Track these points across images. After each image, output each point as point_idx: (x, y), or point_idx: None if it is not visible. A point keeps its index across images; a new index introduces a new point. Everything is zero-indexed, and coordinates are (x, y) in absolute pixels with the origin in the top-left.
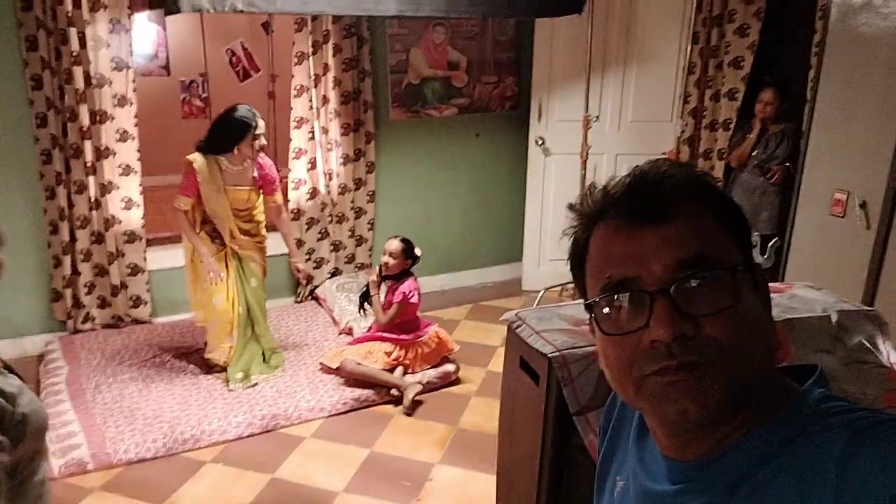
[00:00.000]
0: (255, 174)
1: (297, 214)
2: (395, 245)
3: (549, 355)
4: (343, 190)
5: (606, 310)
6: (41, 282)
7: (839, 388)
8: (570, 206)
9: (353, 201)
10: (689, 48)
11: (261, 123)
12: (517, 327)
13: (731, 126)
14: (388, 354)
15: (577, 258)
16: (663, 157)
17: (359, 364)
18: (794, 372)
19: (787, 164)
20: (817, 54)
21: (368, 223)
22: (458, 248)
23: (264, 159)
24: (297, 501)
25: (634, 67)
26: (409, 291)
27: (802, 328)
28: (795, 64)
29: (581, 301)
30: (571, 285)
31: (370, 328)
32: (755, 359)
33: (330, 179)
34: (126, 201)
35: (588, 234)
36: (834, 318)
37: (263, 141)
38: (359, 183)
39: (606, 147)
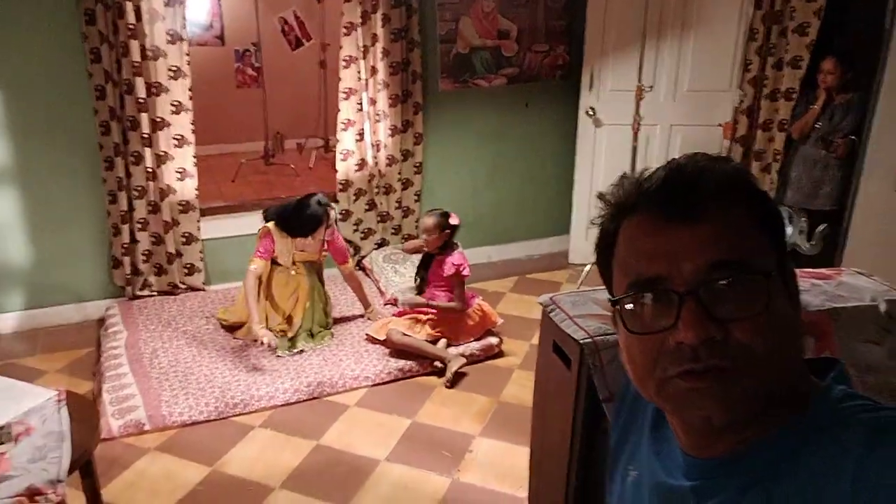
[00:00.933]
0: (325, 240)
1: (345, 185)
2: (429, 221)
3: (581, 341)
4: (391, 161)
5: (632, 307)
6: (101, 249)
7: (884, 380)
8: (601, 196)
9: (400, 172)
10: (752, 13)
11: (332, 214)
12: (551, 311)
13: (794, 96)
14: (433, 327)
15: (605, 250)
16: (719, 128)
17: (404, 335)
18: (817, 364)
19: (853, 137)
20: (890, 20)
21: (415, 194)
22: (506, 220)
23: (336, 239)
24: (341, 468)
25: (692, 34)
26: (461, 264)
27: (848, 318)
28: (867, 30)
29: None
30: None
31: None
32: (783, 365)
33: (378, 151)
34: (181, 172)
35: (617, 226)
36: (883, 307)
37: (335, 227)
38: (406, 154)
39: (660, 117)
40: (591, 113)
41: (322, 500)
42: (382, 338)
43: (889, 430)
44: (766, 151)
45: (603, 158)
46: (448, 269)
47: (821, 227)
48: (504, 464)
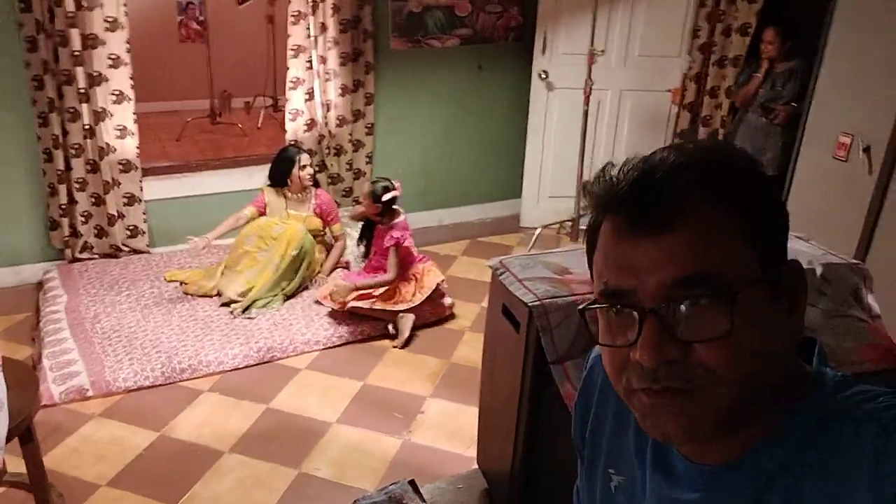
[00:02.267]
0: (314, 202)
1: (295, 146)
2: (365, 188)
3: (530, 304)
4: (341, 122)
5: (599, 317)
6: (38, 210)
7: (819, 340)
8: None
9: (351, 133)
10: None
11: (304, 157)
12: (500, 274)
13: (741, 63)
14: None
15: (591, 242)
16: (668, 94)
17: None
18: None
19: (793, 104)
20: None
21: (367, 156)
22: (457, 183)
23: (322, 194)
24: (292, 431)
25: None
26: (401, 236)
27: None
28: None
29: (566, 249)
30: (570, 223)
31: (363, 270)
32: (756, 380)
33: (328, 111)
34: (120, 129)
35: (599, 222)
36: (819, 270)
37: (310, 170)
38: (357, 115)
39: (611, 82)
40: (543, 76)
41: (273, 463)
42: (333, 304)
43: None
44: (713, 118)
45: (555, 122)
46: (387, 241)
47: None
48: (454, 424)
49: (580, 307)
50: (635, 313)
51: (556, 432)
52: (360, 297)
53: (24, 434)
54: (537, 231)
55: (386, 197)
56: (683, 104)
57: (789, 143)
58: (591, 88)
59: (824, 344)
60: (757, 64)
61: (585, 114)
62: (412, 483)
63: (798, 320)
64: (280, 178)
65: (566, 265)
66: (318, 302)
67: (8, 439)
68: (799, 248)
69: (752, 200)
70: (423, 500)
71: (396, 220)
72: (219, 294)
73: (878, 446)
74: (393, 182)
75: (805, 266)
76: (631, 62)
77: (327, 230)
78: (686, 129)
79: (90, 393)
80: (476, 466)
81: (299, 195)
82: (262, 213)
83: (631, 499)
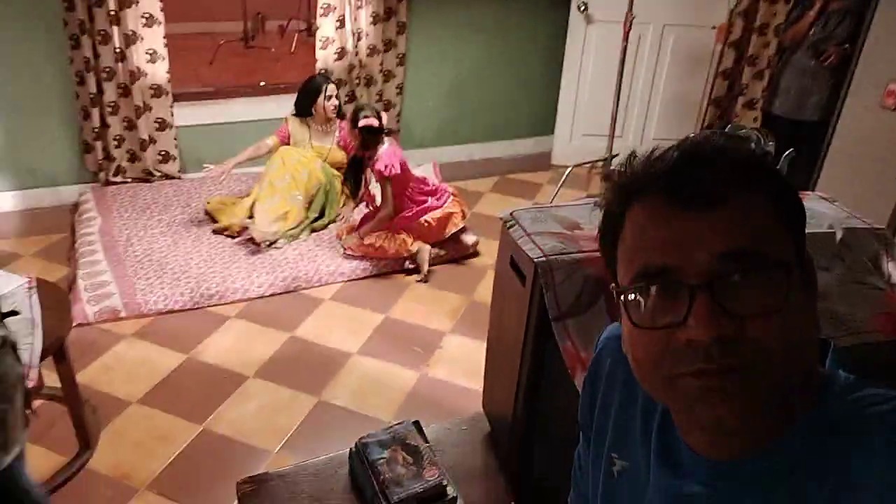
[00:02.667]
0: (338, 135)
1: (325, 75)
2: (348, 114)
3: (535, 259)
4: (372, 51)
5: (638, 298)
6: (72, 133)
7: (829, 308)
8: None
9: (381, 63)
10: None
11: (330, 87)
12: (510, 227)
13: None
14: (407, 245)
15: (610, 235)
16: (712, 31)
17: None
18: None
19: (846, 46)
20: None
21: (397, 87)
22: (489, 118)
23: (348, 129)
24: (314, 359)
25: None
26: (386, 165)
27: None
28: None
29: (578, 202)
30: (601, 164)
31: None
32: (799, 363)
33: (358, 39)
34: (151, 53)
35: (624, 210)
36: (839, 235)
37: (335, 101)
38: (388, 44)
39: (653, 16)
40: (582, 7)
41: (294, 390)
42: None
43: None
44: (761, 57)
45: (592, 58)
46: (375, 175)
47: (787, 153)
48: (471, 360)
49: (617, 288)
50: (685, 288)
51: (557, 385)
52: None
53: (57, 353)
54: (568, 170)
55: (361, 123)
56: (729, 42)
57: (837, 88)
58: (632, 22)
59: (837, 312)
60: (810, 1)
61: (624, 49)
62: (416, 423)
63: (816, 315)
64: (305, 108)
65: (578, 219)
66: (349, 255)
67: (42, 357)
68: (821, 209)
69: (782, 190)
70: (426, 440)
71: (380, 149)
72: (246, 229)
73: (889, 450)
74: (378, 110)
75: (825, 229)
76: None
77: None
78: (730, 68)
79: (122, 314)
80: (481, 409)
81: (324, 126)
82: (286, 144)
83: (633, 485)
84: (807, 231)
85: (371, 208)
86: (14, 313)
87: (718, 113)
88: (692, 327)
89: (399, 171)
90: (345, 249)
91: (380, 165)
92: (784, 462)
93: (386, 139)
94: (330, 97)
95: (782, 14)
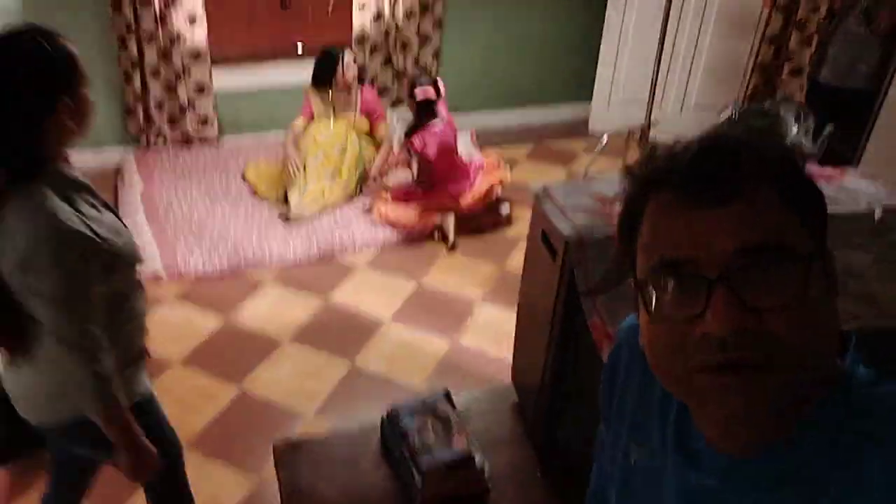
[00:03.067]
0: (359, 102)
1: (361, 39)
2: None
3: (566, 235)
4: (409, 15)
5: (655, 291)
6: (115, 95)
7: (865, 287)
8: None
9: (418, 27)
10: None
11: (347, 55)
12: (542, 201)
13: None
14: (431, 219)
15: (629, 227)
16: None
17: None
18: None
19: None
20: None
21: (434, 52)
22: (526, 82)
23: (367, 91)
24: (348, 325)
25: None
26: (422, 143)
27: (839, 224)
28: None
29: (613, 176)
30: (639, 131)
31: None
32: (818, 359)
33: (395, 2)
34: (189, 17)
35: (643, 203)
36: (878, 213)
37: (354, 69)
38: (425, 7)
39: None
40: None
41: (329, 354)
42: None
43: None
44: (809, 22)
45: (633, 20)
46: (412, 144)
47: (827, 129)
48: (502, 329)
49: (635, 280)
50: (703, 281)
51: (584, 358)
52: (397, 200)
53: None
54: (605, 137)
55: (419, 96)
56: (777, 6)
57: (887, 58)
58: None
59: (873, 291)
60: None
61: (667, 12)
62: (446, 393)
63: (837, 311)
64: (324, 79)
65: (612, 194)
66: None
67: None
68: (861, 188)
69: (802, 183)
70: (455, 409)
71: (431, 126)
72: (286, 200)
73: (891, 450)
74: (438, 80)
75: (864, 208)
76: None
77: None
78: (777, 33)
79: (164, 276)
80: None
81: (345, 95)
82: (311, 119)
83: (650, 473)
84: (843, 212)
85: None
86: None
87: (763, 80)
88: (710, 321)
89: (432, 154)
90: (376, 216)
91: (416, 139)
92: (797, 459)
93: (440, 118)
94: (348, 65)
95: None
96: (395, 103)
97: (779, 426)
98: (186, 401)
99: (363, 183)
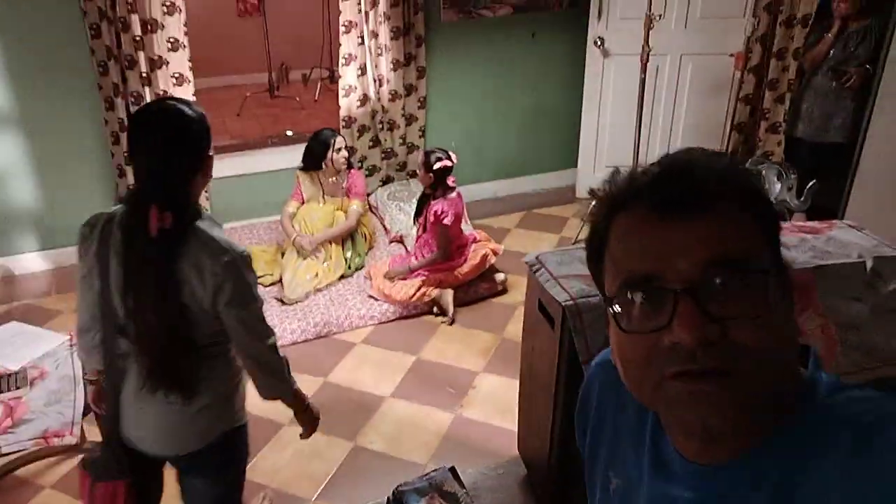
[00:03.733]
0: (345, 185)
1: (348, 122)
2: (419, 158)
3: (563, 303)
4: (394, 96)
5: (624, 306)
6: (108, 190)
7: (865, 337)
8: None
9: (403, 108)
10: None
11: (339, 140)
12: (536, 271)
13: (811, 23)
14: (427, 284)
15: (596, 247)
16: (730, 58)
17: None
18: None
19: (867, 67)
20: None
21: (420, 130)
22: (512, 154)
23: (355, 176)
24: (348, 404)
25: None
26: (441, 212)
27: (833, 275)
28: None
29: None
30: None
31: (414, 247)
32: (782, 366)
33: (380, 86)
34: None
35: (608, 223)
36: (869, 264)
37: (345, 153)
38: (410, 89)
39: (670, 47)
40: (599, 43)
41: (329, 435)
42: (382, 298)
43: (873, 430)
44: (780, 81)
45: (611, 90)
46: (430, 216)
47: (810, 185)
48: (505, 399)
49: (605, 297)
50: (669, 294)
51: None
52: (413, 276)
53: None
54: (593, 202)
55: (437, 166)
56: (748, 68)
57: (860, 109)
58: (648, 54)
59: (874, 342)
60: (828, 23)
61: (643, 81)
62: (452, 470)
63: (795, 321)
64: (315, 162)
65: None
66: (371, 296)
67: (84, 413)
68: (850, 238)
69: (758, 199)
70: (463, 487)
71: (448, 195)
72: (280, 283)
73: (854, 450)
74: (449, 152)
75: (855, 259)
76: (692, 25)
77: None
78: (751, 93)
79: None
80: (517, 452)
81: (334, 179)
82: (303, 203)
83: (626, 500)
84: (835, 263)
85: (417, 243)
86: None
87: (742, 138)
88: (676, 331)
89: (450, 222)
90: (373, 291)
91: (437, 207)
92: (767, 466)
93: (455, 189)
94: (339, 149)
95: (800, 38)
96: (385, 182)
97: (749, 432)
98: None
99: (357, 262)
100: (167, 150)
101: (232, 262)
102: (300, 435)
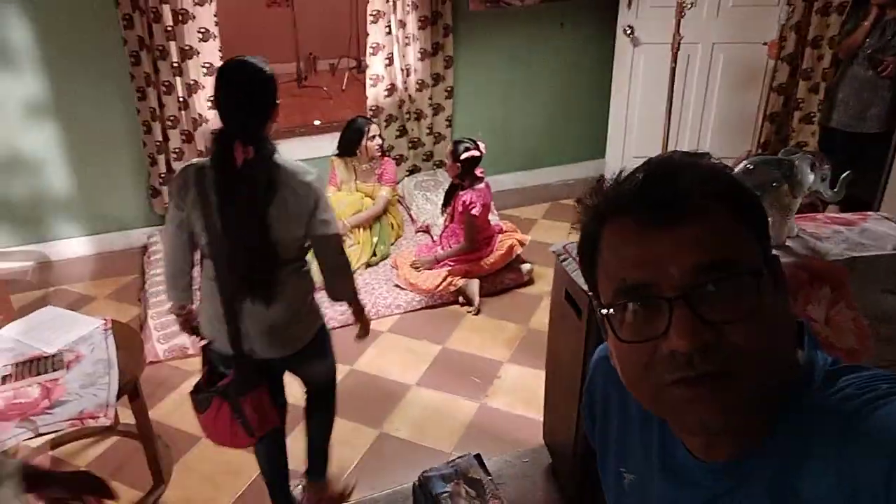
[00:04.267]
0: (378, 171)
1: (376, 111)
2: (448, 148)
3: (590, 293)
4: (421, 86)
5: (620, 314)
6: (141, 179)
7: None
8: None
9: (430, 97)
10: None
11: (373, 128)
12: (563, 260)
13: (846, 10)
14: (454, 274)
15: (588, 255)
16: (764, 47)
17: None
18: None
19: None
20: None
21: (447, 120)
22: (539, 144)
23: (387, 162)
24: (374, 391)
25: None
26: (470, 202)
27: (866, 267)
28: None
29: None
30: None
31: (440, 236)
32: (779, 362)
33: (407, 75)
34: (211, 101)
35: (599, 231)
36: None
37: (378, 140)
38: (437, 78)
39: (702, 36)
40: (628, 31)
41: (355, 422)
42: (409, 287)
43: (860, 416)
44: (815, 70)
45: (640, 80)
46: (458, 207)
47: (845, 175)
48: (530, 389)
49: (599, 305)
50: (663, 302)
51: None
52: (440, 266)
53: (132, 391)
54: (581, 210)
55: (464, 156)
56: (782, 56)
57: None
58: (679, 43)
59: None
60: (865, 10)
61: (673, 70)
62: (478, 457)
63: (791, 310)
64: (349, 148)
65: None
66: (397, 285)
67: (118, 396)
68: (884, 230)
69: (745, 199)
70: (488, 474)
71: (477, 186)
72: None
73: (841, 437)
74: (478, 142)
75: (889, 251)
76: (724, 13)
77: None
78: (784, 82)
79: (190, 351)
80: (542, 441)
81: (367, 166)
82: (338, 189)
83: (642, 496)
84: (869, 254)
85: (443, 234)
86: None
87: (775, 128)
88: (673, 338)
89: (478, 212)
90: (400, 280)
91: (465, 198)
92: (776, 459)
93: (483, 179)
94: (373, 137)
95: (835, 26)
96: (412, 171)
97: (755, 428)
98: (214, 477)
99: (383, 251)
100: (246, 98)
101: (318, 180)
102: (356, 336)
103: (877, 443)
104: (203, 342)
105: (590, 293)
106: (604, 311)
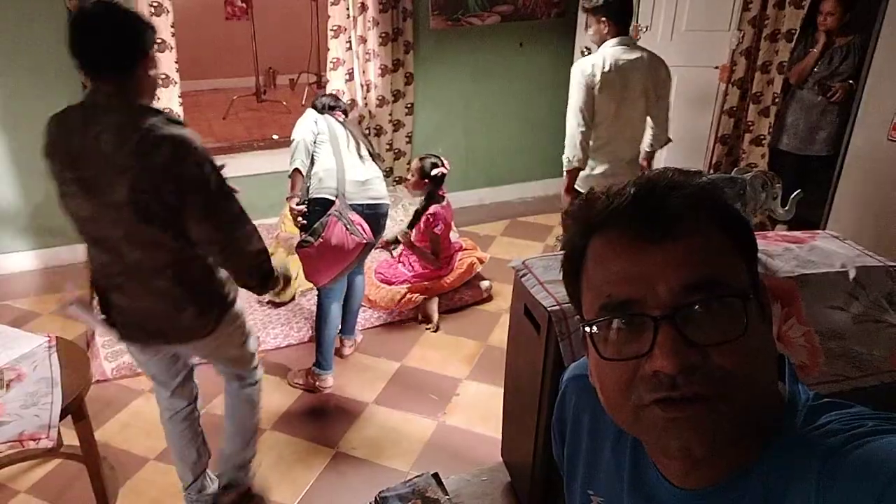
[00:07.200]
0: None
1: None
2: (414, 164)
3: (549, 309)
4: (381, 102)
5: (604, 331)
6: None
7: (847, 346)
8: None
9: (391, 114)
10: None
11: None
12: (522, 276)
13: (795, 37)
14: (413, 291)
15: (573, 269)
16: (716, 70)
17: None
18: None
19: (851, 82)
20: None
21: (407, 136)
22: (498, 162)
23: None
24: (331, 410)
25: None
26: (432, 220)
27: (816, 284)
28: None
29: None
30: None
31: (400, 255)
32: (763, 387)
33: (368, 91)
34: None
35: (585, 245)
36: (852, 273)
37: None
38: (397, 95)
39: None
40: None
41: (310, 442)
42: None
43: (837, 455)
44: (764, 94)
45: None
46: (422, 224)
47: (794, 194)
48: (488, 406)
49: (583, 321)
50: (649, 321)
51: None
52: (401, 280)
53: (76, 411)
54: (569, 222)
55: (434, 172)
56: (733, 80)
57: (845, 123)
58: None
59: (856, 352)
60: (813, 38)
61: None
62: (436, 476)
63: (773, 339)
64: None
65: None
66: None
67: (62, 416)
68: (833, 248)
69: (735, 221)
70: (446, 493)
71: (436, 204)
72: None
73: (819, 478)
74: (442, 159)
75: (838, 268)
76: (678, 37)
77: None
78: (736, 105)
79: (139, 370)
80: (500, 459)
81: None
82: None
83: None
84: (818, 272)
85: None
86: None
87: (726, 150)
88: (658, 358)
89: (440, 231)
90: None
91: (430, 210)
92: (751, 490)
93: (444, 198)
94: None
95: (784, 52)
96: None
97: (732, 456)
98: (162, 501)
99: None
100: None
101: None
102: None
103: (865, 475)
104: None
105: (571, 306)
106: (587, 329)
